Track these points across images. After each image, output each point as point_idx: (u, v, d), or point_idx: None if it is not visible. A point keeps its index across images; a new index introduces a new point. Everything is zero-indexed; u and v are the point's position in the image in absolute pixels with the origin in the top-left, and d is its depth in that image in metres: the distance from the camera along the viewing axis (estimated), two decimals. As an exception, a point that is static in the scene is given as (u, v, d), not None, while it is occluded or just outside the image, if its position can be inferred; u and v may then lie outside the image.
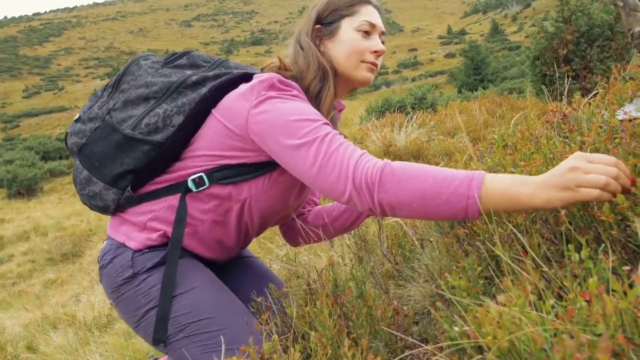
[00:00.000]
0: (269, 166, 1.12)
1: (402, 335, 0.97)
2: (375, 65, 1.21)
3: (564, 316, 0.56)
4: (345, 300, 1.05)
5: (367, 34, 1.19)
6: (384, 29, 1.22)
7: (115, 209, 1.20)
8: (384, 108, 9.44)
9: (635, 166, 0.81)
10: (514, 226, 0.93)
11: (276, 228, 1.51)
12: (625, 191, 0.76)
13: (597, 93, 1.52)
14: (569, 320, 0.56)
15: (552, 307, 0.58)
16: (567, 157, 0.82)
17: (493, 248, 0.89)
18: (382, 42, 1.22)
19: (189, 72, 1.19)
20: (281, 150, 1.02)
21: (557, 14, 8.81)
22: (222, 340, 0.99)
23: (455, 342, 0.68)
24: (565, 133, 1.29)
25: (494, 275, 0.88)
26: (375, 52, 1.19)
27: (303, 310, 1.00)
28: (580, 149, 1.01)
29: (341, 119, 1.35)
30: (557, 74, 8.06)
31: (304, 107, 1.05)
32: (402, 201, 0.90)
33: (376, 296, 1.14)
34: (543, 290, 0.64)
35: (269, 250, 2.86)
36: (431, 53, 74.52)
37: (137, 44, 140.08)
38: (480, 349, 0.65)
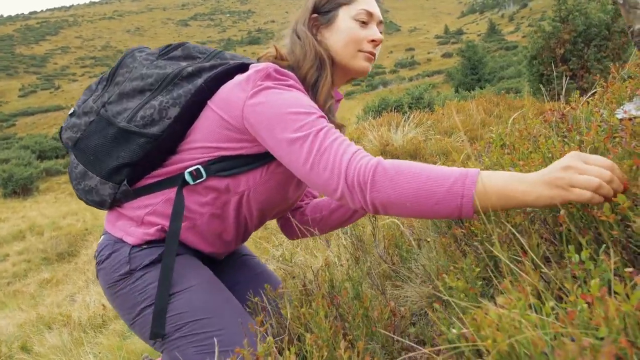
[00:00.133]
0: (266, 158, 1.11)
1: (399, 338, 0.95)
2: (373, 54, 1.19)
3: (564, 319, 0.55)
4: (342, 301, 1.03)
5: (364, 23, 1.17)
6: (381, 18, 1.21)
7: (112, 204, 1.18)
8: (381, 107, 9.46)
9: (631, 168, 0.79)
10: (512, 226, 0.92)
11: (274, 228, 1.49)
12: (616, 196, 0.75)
13: (595, 92, 1.50)
14: (570, 323, 0.54)
15: (552, 309, 0.57)
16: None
17: (491, 248, 0.88)
18: (380, 32, 1.20)
19: (184, 63, 1.17)
20: (276, 143, 1.00)
21: (555, 14, 8.85)
22: (216, 342, 0.98)
23: (453, 345, 0.66)
24: (563, 132, 1.28)
25: (493, 276, 0.87)
26: (372, 41, 1.17)
27: (298, 311, 0.98)
28: (579, 148, 1.00)
29: (338, 118, 1.33)
30: (554, 74, 8.08)
31: (300, 99, 1.03)
32: (394, 200, 0.89)
33: (373, 297, 1.12)
34: (542, 292, 0.63)
35: (265, 250, 2.84)
36: (428, 53, 74.61)
37: (133, 43, 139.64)
38: (478, 352, 0.63)
